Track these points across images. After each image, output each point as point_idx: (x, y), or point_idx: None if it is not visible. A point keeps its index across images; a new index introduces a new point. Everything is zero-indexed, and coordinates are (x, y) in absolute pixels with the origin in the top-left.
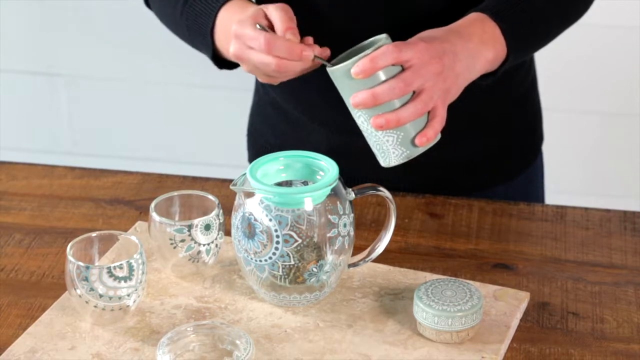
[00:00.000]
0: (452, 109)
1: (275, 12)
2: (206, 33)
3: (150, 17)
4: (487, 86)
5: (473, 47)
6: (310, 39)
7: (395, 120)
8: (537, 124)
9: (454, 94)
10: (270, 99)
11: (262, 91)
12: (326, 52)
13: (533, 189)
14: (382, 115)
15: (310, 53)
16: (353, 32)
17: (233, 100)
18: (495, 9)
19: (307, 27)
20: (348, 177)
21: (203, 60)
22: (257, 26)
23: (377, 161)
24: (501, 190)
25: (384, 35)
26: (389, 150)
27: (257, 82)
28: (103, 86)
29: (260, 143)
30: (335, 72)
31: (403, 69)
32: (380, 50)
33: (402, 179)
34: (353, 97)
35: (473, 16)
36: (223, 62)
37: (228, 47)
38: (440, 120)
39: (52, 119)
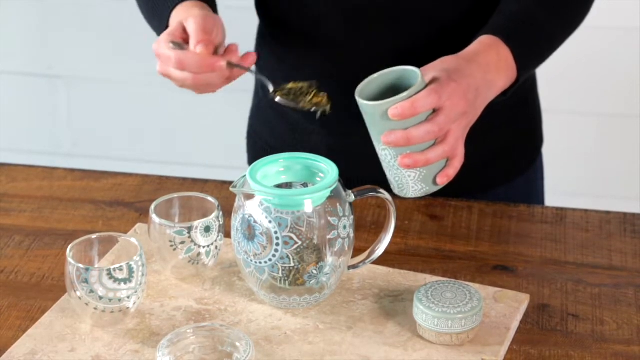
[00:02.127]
0: None
1: (190, 25)
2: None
3: None
4: None
5: (491, 79)
6: (234, 46)
7: (423, 162)
8: (537, 126)
9: (470, 126)
10: (270, 102)
11: (262, 93)
12: (250, 58)
13: (533, 190)
14: (411, 156)
15: (222, 63)
16: (351, 43)
17: (233, 101)
18: (506, 32)
19: (305, 37)
20: (348, 179)
21: None
22: (171, 45)
23: (377, 163)
24: (501, 192)
25: (418, 73)
26: (409, 184)
27: (257, 84)
28: (103, 88)
29: (260, 145)
30: (369, 108)
31: (433, 110)
32: (422, 95)
33: None
34: (386, 136)
35: (487, 41)
36: None
37: None
38: (460, 159)
39: (52, 120)
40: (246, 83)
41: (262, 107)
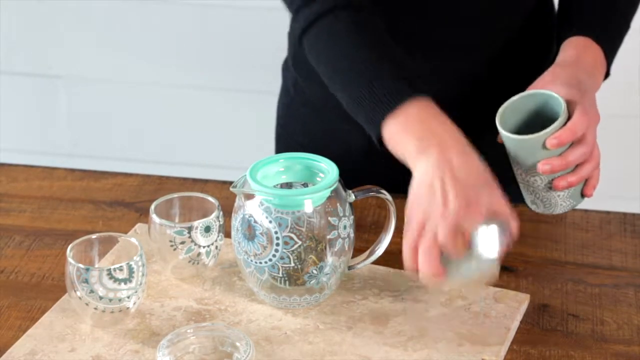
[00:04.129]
0: (470, 110)
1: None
2: (382, 114)
3: (150, 19)
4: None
5: (595, 82)
6: None
7: (577, 181)
8: None
9: None
10: (304, 100)
11: (294, 91)
12: None
13: None
14: (565, 178)
15: None
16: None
17: (233, 101)
18: (595, 30)
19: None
20: (383, 181)
21: (203, 62)
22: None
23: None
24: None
25: (562, 100)
26: (557, 203)
27: (286, 82)
28: (102, 88)
29: (292, 144)
30: (526, 141)
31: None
32: (577, 121)
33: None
34: (544, 164)
35: (581, 42)
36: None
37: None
38: (599, 169)
39: (51, 120)
40: (247, 83)
41: (293, 106)
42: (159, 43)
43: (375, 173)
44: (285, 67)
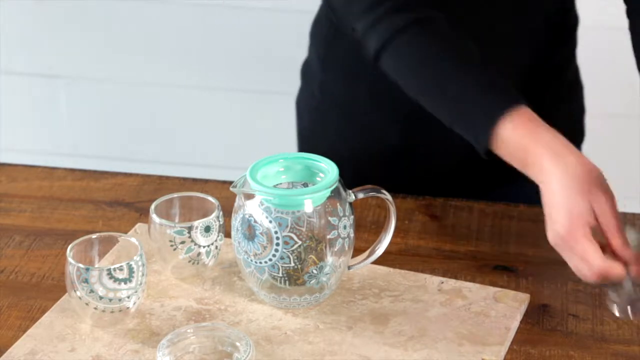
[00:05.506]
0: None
1: (605, 217)
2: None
3: (150, 19)
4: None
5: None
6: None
7: None
8: (579, 121)
9: None
10: (333, 101)
11: (320, 94)
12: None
13: None
14: None
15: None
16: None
17: (233, 101)
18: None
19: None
20: (423, 173)
21: (203, 62)
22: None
23: (453, 158)
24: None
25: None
26: None
27: (310, 85)
28: (103, 88)
29: (322, 146)
30: None
31: None
32: None
33: (440, 180)
34: None
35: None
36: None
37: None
38: None
39: (52, 120)
40: (247, 83)
41: (322, 108)
42: (159, 43)
43: (411, 168)
44: (307, 70)
